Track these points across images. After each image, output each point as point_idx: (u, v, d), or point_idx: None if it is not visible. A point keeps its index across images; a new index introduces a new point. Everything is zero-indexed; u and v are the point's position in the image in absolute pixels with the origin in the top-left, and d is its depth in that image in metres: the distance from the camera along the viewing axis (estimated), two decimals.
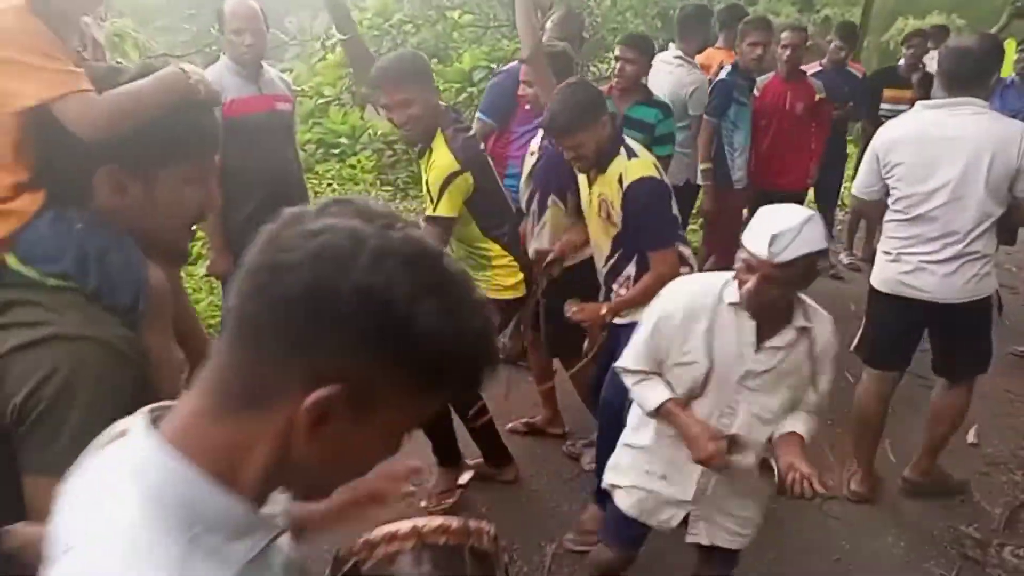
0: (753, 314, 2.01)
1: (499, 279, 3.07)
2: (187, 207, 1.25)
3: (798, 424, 2.09)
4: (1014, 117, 3.23)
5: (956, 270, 2.97)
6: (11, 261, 1.20)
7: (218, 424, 0.68)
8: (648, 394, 2.16)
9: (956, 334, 3.14)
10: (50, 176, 1.25)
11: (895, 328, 3.21)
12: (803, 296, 2.06)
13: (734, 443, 2.06)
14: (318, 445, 0.66)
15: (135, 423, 0.71)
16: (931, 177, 2.92)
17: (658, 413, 2.15)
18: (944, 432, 3.35)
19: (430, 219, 2.85)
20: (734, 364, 2.05)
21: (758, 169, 4.95)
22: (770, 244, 1.84)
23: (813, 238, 1.86)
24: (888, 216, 3.12)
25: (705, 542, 2.28)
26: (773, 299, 1.95)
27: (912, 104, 3.42)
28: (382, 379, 0.66)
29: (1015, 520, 3.37)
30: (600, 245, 2.94)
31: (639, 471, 2.28)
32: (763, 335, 2.03)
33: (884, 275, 3.16)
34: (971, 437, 3.91)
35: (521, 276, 3.10)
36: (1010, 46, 5.51)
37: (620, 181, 2.71)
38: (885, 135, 3.10)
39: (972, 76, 2.89)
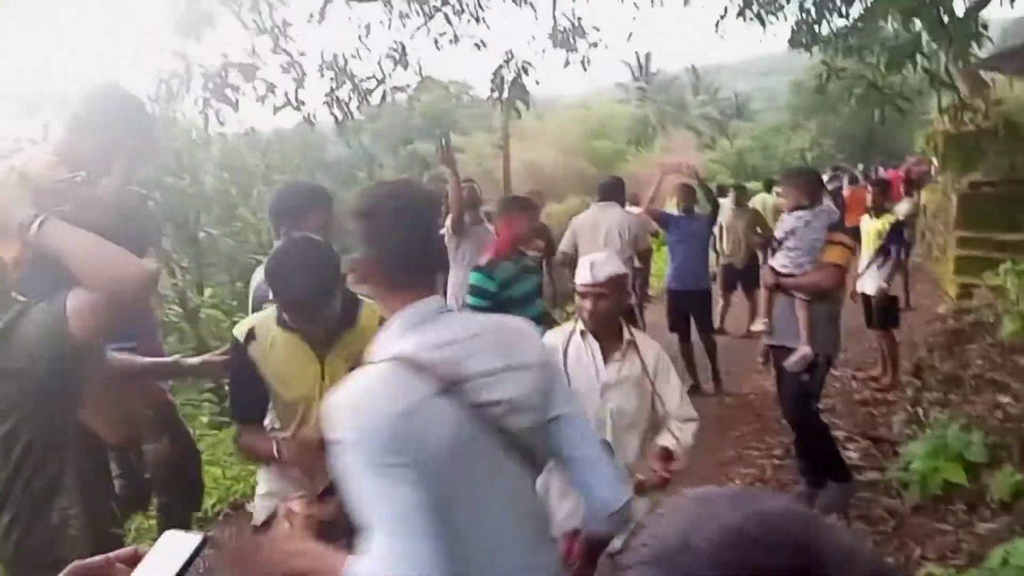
0: (595, 333, 2.66)
1: None
2: None
3: (666, 438, 2.57)
4: None
5: None
6: None
7: None
8: None
9: None
10: None
11: None
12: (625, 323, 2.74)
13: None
14: None
15: None
16: None
17: None
18: None
19: None
20: (592, 380, 2.61)
21: None
22: (591, 270, 2.60)
23: (616, 263, 2.69)
24: None
25: None
26: (606, 313, 2.61)
27: None
28: None
29: None
30: None
31: None
32: (606, 352, 2.65)
33: None
34: None
35: None
36: None
37: None
38: None
39: None
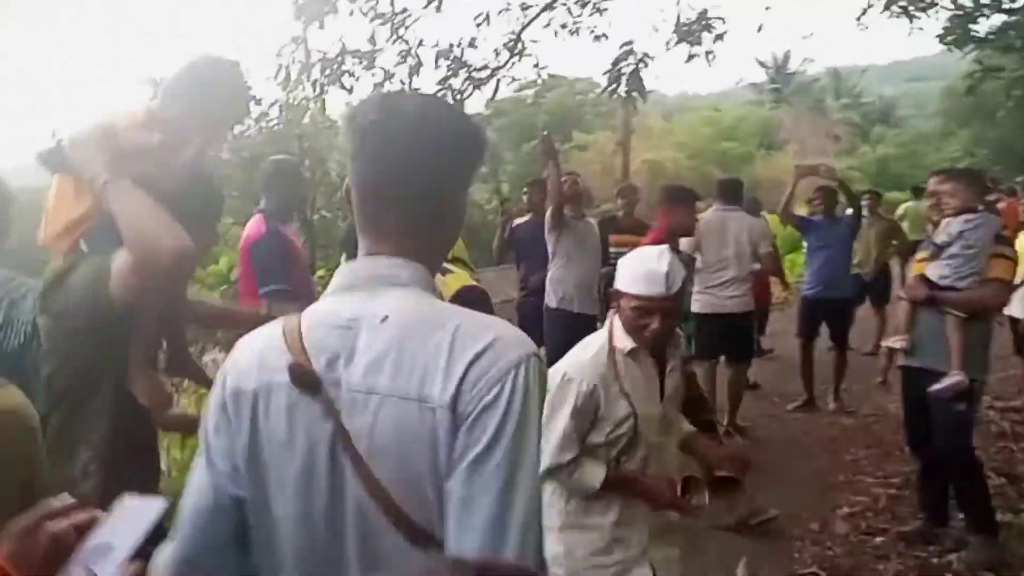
0: (653, 352, 2.25)
1: None
2: None
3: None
4: None
5: None
6: None
7: None
8: (588, 474, 2.19)
9: None
10: None
11: None
12: None
13: (692, 484, 2.23)
14: None
15: None
16: None
17: (605, 487, 2.18)
18: None
19: None
20: (651, 406, 2.23)
21: None
22: (666, 280, 2.12)
23: (681, 267, 2.20)
24: None
25: None
26: (672, 329, 2.27)
27: None
28: None
29: None
30: None
31: (594, 550, 2.24)
32: (661, 370, 2.29)
33: None
34: (741, 572, 3.58)
35: None
36: None
37: None
38: None
39: None
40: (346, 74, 6.18)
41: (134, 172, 1.82)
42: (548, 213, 5.10)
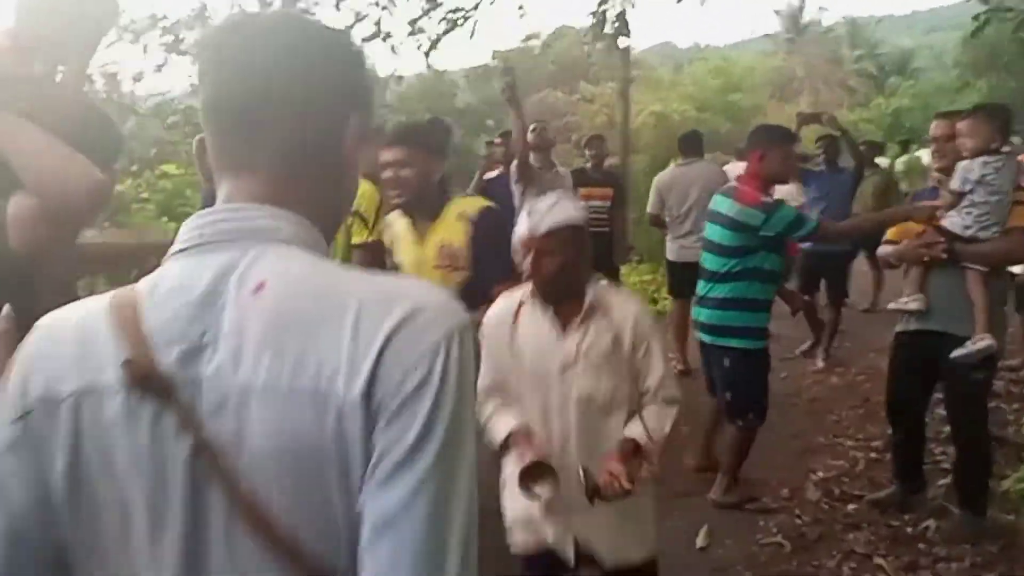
0: (545, 297, 2.12)
1: None
2: None
3: (635, 428, 2.10)
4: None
5: None
6: None
7: None
8: (496, 428, 2.13)
9: None
10: None
11: None
12: (601, 281, 2.21)
13: (541, 471, 2.02)
14: None
15: None
16: None
17: (505, 448, 2.12)
18: None
19: None
20: (547, 357, 2.10)
21: None
22: (529, 220, 2.07)
23: (566, 210, 2.08)
24: None
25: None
26: (554, 274, 2.06)
27: None
28: None
29: None
30: None
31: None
32: (563, 322, 2.12)
33: None
34: (700, 540, 3.45)
35: None
36: None
37: None
38: None
39: None
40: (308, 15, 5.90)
41: (7, 107, 1.56)
42: (514, 164, 4.84)
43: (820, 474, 4.06)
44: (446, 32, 6.26)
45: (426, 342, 0.75)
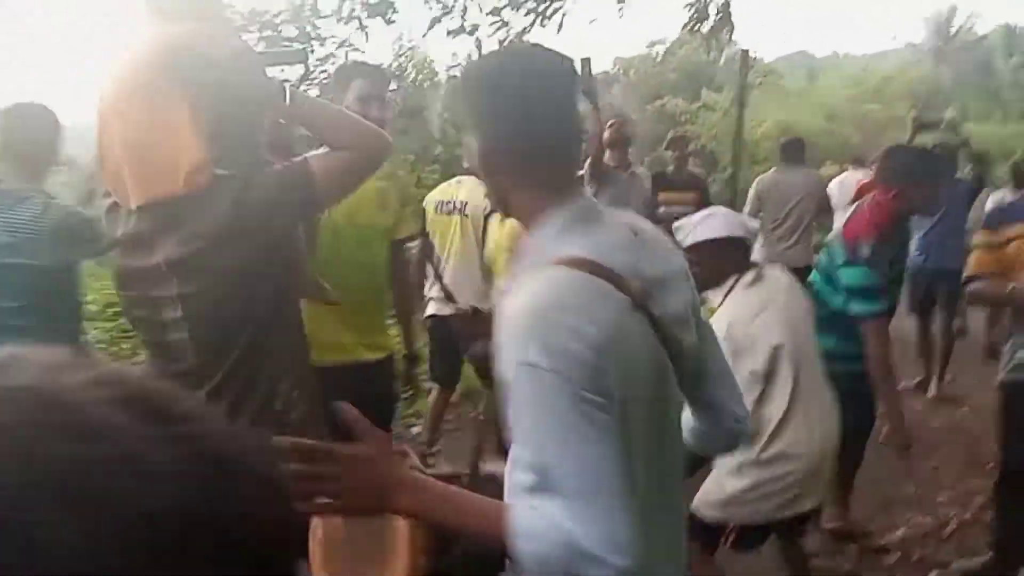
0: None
1: None
2: None
3: None
4: None
5: None
6: None
7: None
8: None
9: None
10: None
11: None
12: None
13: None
14: None
15: None
16: None
17: None
18: None
19: None
20: None
21: None
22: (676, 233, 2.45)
23: (714, 226, 2.44)
24: None
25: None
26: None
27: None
28: None
29: None
30: None
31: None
32: None
33: None
34: None
35: None
36: None
37: None
38: None
39: None
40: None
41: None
42: (587, 163, 4.52)
43: (899, 533, 3.51)
44: (533, 24, 5.99)
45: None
